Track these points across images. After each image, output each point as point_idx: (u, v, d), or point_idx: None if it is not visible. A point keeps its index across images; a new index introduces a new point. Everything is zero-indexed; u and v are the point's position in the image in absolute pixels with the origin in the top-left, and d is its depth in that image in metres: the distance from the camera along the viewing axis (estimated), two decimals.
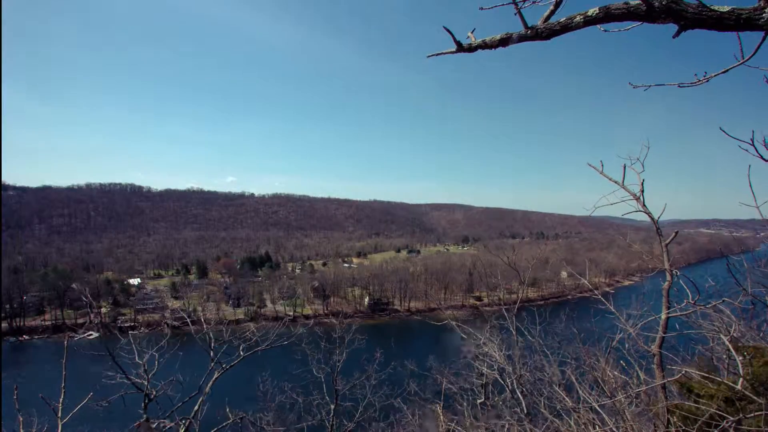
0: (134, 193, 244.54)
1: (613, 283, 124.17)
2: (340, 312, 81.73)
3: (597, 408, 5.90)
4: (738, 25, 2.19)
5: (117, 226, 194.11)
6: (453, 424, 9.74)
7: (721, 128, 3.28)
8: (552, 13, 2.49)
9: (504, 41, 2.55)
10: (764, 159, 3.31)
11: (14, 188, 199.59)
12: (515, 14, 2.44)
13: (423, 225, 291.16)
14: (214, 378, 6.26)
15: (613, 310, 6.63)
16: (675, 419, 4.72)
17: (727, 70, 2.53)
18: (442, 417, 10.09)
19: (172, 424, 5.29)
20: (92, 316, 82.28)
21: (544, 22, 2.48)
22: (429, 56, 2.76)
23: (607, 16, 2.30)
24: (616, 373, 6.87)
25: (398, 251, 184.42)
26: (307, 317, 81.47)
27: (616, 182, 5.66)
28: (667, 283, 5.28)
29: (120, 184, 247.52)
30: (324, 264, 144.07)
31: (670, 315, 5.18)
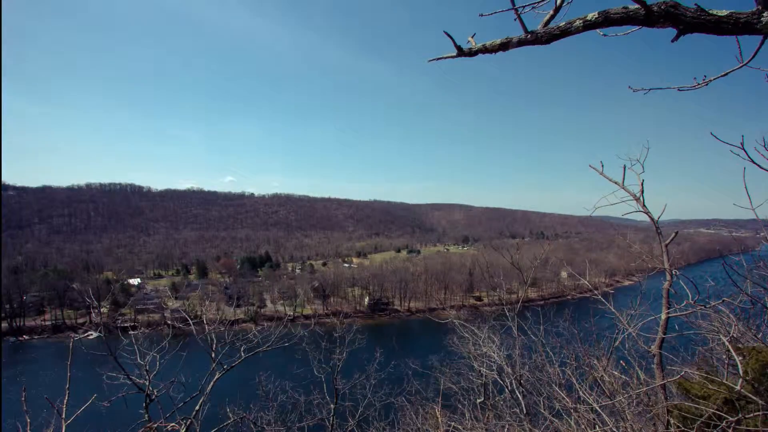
0: (134, 193, 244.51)
1: (613, 283, 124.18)
2: (340, 312, 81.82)
3: (597, 408, 5.92)
4: (736, 29, 2.21)
5: (117, 226, 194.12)
6: (453, 424, 9.75)
7: (711, 133, 3.30)
8: (552, 17, 2.51)
9: (504, 46, 2.57)
10: (755, 163, 3.34)
11: (14, 188, 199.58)
12: (515, 19, 2.46)
13: (423, 225, 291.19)
14: (215, 378, 6.28)
15: (613, 310, 6.65)
16: (674, 419, 4.74)
17: (727, 74, 2.55)
18: (440, 417, 10.11)
19: (174, 424, 5.31)
20: (93, 315, 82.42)
21: (544, 26, 2.50)
22: (430, 60, 2.79)
23: (606, 20, 2.32)
24: (616, 373, 6.89)
25: (398, 251, 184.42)
26: (307, 317, 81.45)
27: (616, 183, 5.68)
28: (666, 283, 5.30)
29: (120, 184, 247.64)
30: (324, 264, 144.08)
31: (669, 315, 5.20)
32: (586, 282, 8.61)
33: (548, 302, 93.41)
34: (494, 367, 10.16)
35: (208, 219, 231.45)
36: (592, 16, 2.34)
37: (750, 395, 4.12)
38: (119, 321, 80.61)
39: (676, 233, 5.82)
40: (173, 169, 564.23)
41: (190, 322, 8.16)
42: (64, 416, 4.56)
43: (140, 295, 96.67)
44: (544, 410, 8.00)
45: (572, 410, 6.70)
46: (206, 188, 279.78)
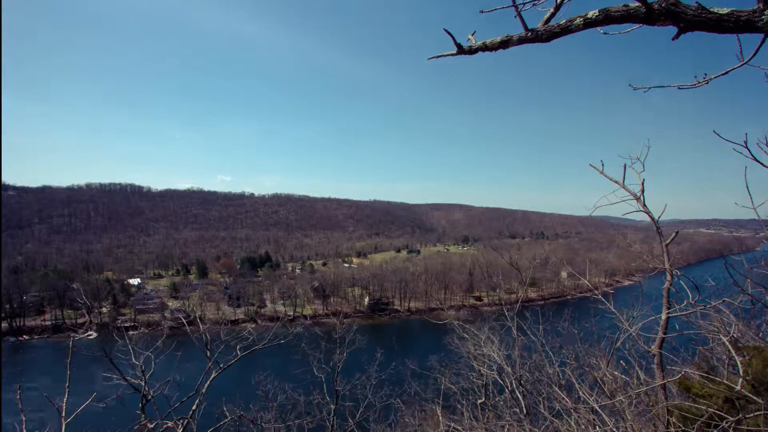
0: (134, 193, 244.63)
1: (612, 283, 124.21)
2: (340, 312, 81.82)
3: (597, 408, 5.91)
4: (737, 27, 2.20)
5: (117, 226, 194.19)
6: (453, 425, 9.75)
7: (714, 131, 3.29)
8: (552, 15, 2.50)
9: (504, 43, 2.56)
10: (758, 161, 3.33)
11: (14, 188, 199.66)
12: (515, 17, 2.45)
13: (423, 225, 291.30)
14: (211, 378, 6.26)
15: (614, 310, 6.64)
16: (675, 419, 4.73)
17: (727, 72, 2.54)
18: (441, 417, 10.11)
19: (170, 424, 5.30)
20: (92, 316, 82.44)
21: (544, 24, 2.49)
22: (429, 58, 2.78)
23: (606, 18, 2.31)
24: (616, 373, 6.88)
25: (398, 251, 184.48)
26: (306, 317, 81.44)
27: (616, 182, 5.67)
28: (667, 283, 5.28)
29: (120, 184, 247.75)
30: (324, 264, 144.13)
31: (670, 315, 5.19)
32: (586, 282, 8.59)
33: (548, 302, 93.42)
34: (494, 368, 10.16)
35: (208, 219, 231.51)
36: (592, 14, 2.33)
37: (750, 395, 4.11)
38: (119, 321, 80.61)
39: (677, 233, 5.81)
40: (170, 169, 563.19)
41: (184, 321, 8.14)
42: (63, 415, 4.56)
43: (140, 295, 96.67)
44: (544, 410, 7.99)
45: (572, 410, 6.69)
46: (204, 188, 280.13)
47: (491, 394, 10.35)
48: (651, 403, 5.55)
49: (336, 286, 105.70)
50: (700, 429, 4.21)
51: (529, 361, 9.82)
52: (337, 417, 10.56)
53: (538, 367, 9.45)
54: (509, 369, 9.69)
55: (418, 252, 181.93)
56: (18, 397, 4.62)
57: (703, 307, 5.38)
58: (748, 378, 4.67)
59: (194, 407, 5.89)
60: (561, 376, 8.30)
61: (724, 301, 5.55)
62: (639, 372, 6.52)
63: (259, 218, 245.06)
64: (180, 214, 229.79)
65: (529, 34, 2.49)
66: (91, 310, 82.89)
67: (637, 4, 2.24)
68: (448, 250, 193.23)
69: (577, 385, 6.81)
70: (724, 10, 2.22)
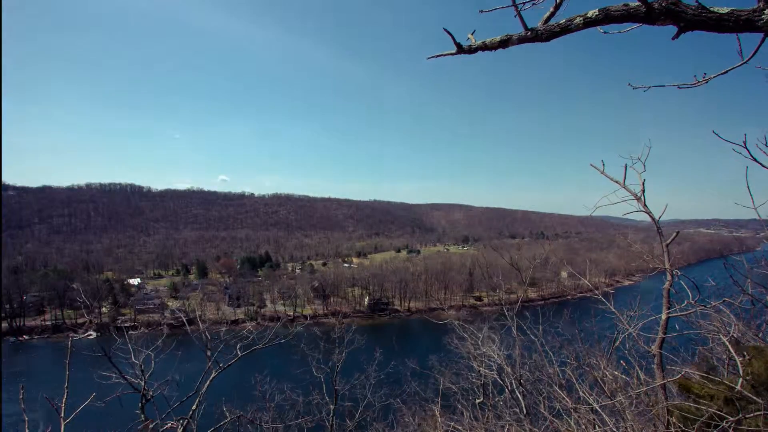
0: (134, 193, 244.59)
1: (613, 283, 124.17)
2: (340, 312, 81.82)
3: (597, 408, 5.91)
4: (737, 26, 2.19)
5: (117, 226, 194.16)
6: (452, 424, 9.74)
7: (714, 131, 3.29)
8: (552, 14, 2.50)
9: (504, 43, 2.55)
10: (757, 161, 3.32)
11: (14, 188, 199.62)
12: (515, 16, 2.44)
13: (423, 225, 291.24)
14: (211, 377, 6.25)
15: (614, 310, 6.63)
16: (675, 419, 4.72)
17: (727, 72, 2.54)
18: (439, 417, 10.10)
19: (170, 424, 5.29)
20: (92, 316, 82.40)
21: (544, 23, 2.48)
22: (429, 58, 2.77)
23: (606, 17, 2.30)
24: (616, 373, 6.87)
25: (398, 251, 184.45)
26: (306, 317, 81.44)
27: (617, 182, 5.66)
28: (667, 283, 5.28)
29: (120, 184, 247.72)
30: (324, 264, 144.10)
31: (670, 315, 5.18)
32: (586, 282, 8.59)
33: (548, 302, 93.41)
34: (494, 367, 10.15)
35: (208, 219, 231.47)
36: (592, 13, 2.33)
37: (750, 395, 4.11)
38: (119, 321, 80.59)
39: (677, 233, 5.80)
40: (169, 169, 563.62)
41: (184, 320, 8.13)
42: (63, 415, 4.56)
43: (140, 295, 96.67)
44: (544, 410, 7.99)
45: (572, 410, 6.69)
46: (204, 188, 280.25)
47: (491, 394, 10.34)
48: (651, 403, 5.54)
49: (336, 286, 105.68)
50: (700, 429, 4.20)
51: (529, 361, 9.81)
52: (336, 417, 10.55)
53: (538, 367, 9.45)
54: (509, 369, 9.68)
55: (418, 252, 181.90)
56: (21, 397, 4.62)
57: (703, 307, 5.37)
58: (748, 378, 4.66)
59: (194, 407, 5.88)
60: (561, 376, 8.30)
61: (724, 301, 5.54)
62: (639, 372, 6.51)
63: (259, 218, 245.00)
64: (180, 214, 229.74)
65: (529, 33, 2.48)
66: (91, 310, 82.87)
67: (637, 3, 2.24)
68: (448, 250, 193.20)
69: (577, 385, 6.80)
70: (724, 10, 2.22)
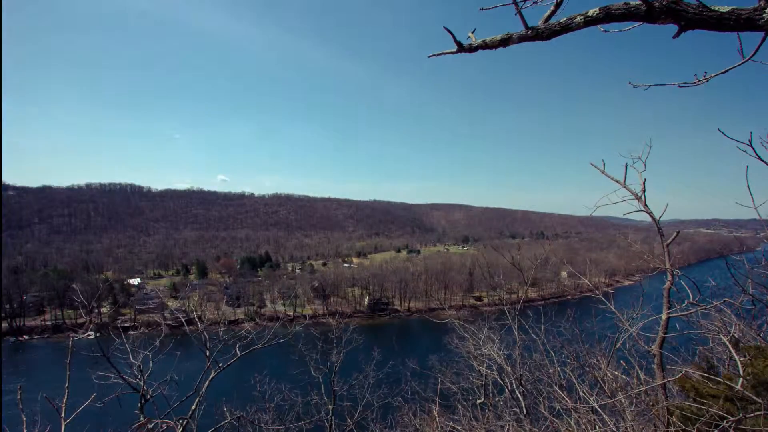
0: (134, 193, 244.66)
1: (613, 283, 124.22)
2: (340, 312, 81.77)
3: (597, 408, 5.90)
4: (738, 25, 2.19)
5: (117, 226, 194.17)
6: (452, 424, 9.73)
7: (719, 129, 3.28)
8: (552, 13, 2.49)
9: (504, 41, 2.55)
10: (762, 160, 3.31)
11: (14, 188, 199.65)
12: (515, 14, 2.44)
13: (423, 225, 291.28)
14: (210, 377, 6.25)
15: (614, 310, 6.63)
16: (675, 419, 4.72)
17: (728, 71, 2.53)
18: (438, 417, 10.09)
19: (170, 424, 5.28)
20: (92, 316, 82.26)
21: (545, 22, 2.48)
22: (430, 56, 2.77)
23: (607, 16, 2.30)
24: (616, 373, 6.87)
25: (398, 251, 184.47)
26: (306, 317, 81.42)
27: (617, 181, 5.65)
28: (667, 283, 5.27)
29: (120, 184, 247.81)
30: (324, 264, 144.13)
31: (670, 315, 5.18)
32: (586, 282, 8.58)
33: (548, 302, 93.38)
34: (494, 367, 10.14)
35: (208, 219, 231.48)
36: (593, 11, 2.32)
37: (751, 395, 4.10)
38: (119, 321, 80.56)
39: (678, 233, 5.79)
40: (167, 169, 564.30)
41: (182, 320, 8.12)
42: (63, 415, 4.55)
43: (140, 295, 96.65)
44: (544, 410, 7.98)
45: (572, 410, 6.68)
46: (204, 187, 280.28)
47: (491, 394, 10.33)
48: (651, 403, 5.53)
49: (336, 286, 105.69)
50: (701, 429, 4.20)
51: (530, 361, 9.80)
52: (335, 417, 10.54)
53: (538, 367, 9.44)
54: (509, 369, 9.68)
55: (418, 252, 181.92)
56: (18, 397, 4.61)
57: (703, 307, 5.37)
58: (748, 378, 4.66)
59: (193, 407, 5.87)
60: (561, 376, 8.29)
61: (724, 301, 5.54)
62: (639, 372, 6.51)
63: (259, 218, 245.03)
64: (180, 214, 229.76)
65: (530, 32, 2.48)
66: (91, 310, 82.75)
67: (638, 2, 2.23)
68: (448, 250, 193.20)
69: (577, 385, 6.80)
70: (725, 9, 2.21)
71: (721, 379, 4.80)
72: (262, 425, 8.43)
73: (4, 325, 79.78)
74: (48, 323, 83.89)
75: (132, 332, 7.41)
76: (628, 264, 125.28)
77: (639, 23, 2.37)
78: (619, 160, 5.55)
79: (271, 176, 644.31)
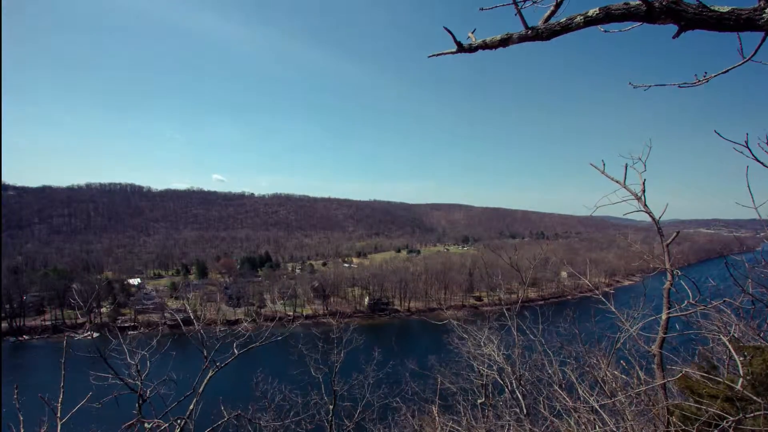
0: (134, 193, 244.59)
1: (613, 283, 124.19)
2: (340, 312, 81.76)
3: (597, 408, 5.90)
4: (738, 25, 2.19)
5: (117, 226, 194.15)
6: (452, 424, 9.73)
7: (715, 131, 3.28)
8: (552, 13, 2.49)
9: (504, 41, 2.54)
10: (759, 161, 3.32)
11: (14, 188, 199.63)
12: (515, 14, 2.43)
13: (423, 225, 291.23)
14: (208, 377, 6.23)
15: (614, 310, 6.62)
16: (675, 419, 4.72)
17: (728, 71, 2.53)
18: (437, 417, 10.09)
19: (167, 424, 5.28)
20: (91, 316, 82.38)
21: (545, 22, 2.48)
22: (430, 56, 2.76)
23: (607, 16, 2.30)
24: (616, 373, 6.87)
25: (398, 251, 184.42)
26: (306, 317, 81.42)
27: (617, 182, 5.65)
28: (667, 283, 5.27)
29: (120, 184, 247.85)
30: (324, 264, 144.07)
31: (670, 315, 5.18)
32: (586, 282, 8.58)
33: (548, 302, 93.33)
34: (494, 368, 10.14)
35: (208, 219, 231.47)
36: (593, 12, 2.32)
37: (751, 395, 4.10)
38: (119, 321, 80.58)
39: (678, 233, 5.79)
40: (163, 169, 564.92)
41: (179, 321, 8.12)
42: (59, 415, 4.55)
43: (140, 295, 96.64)
44: (544, 410, 7.98)
45: (572, 410, 6.68)
46: (203, 188, 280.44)
47: (491, 394, 10.33)
48: (651, 403, 5.53)
49: (336, 286, 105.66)
50: (701, 429, 4.20)
51: (529, 361, 9.80)
52: (335, 417, 10.54)
53: (538, 367, 9.44)
54: (509, 369, 9.67)
55: (418, 252, 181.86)
56: (15, 396, 4.61)
57: (703, 307, 5.36)
58: (748, 378, 4.66)
59: (191, 407, 5.86)
60: (561, 376, 8.29)
61: (724, 301, 5.53)
62: (639, 372, 6.50)
63: (259, 218, 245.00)
64: (180, 214, 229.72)
65: (530, 32, 2.48)
66: (91, 310, 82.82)
67: (638, 2, 2.23)
68: (448, 250, 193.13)
69: (577, 385, 6.80)
70: (725, 9, 2.21)
71: (721, 379, 4.80)
72: (261, 424, 8.42)
73: (4, 325, 79.74)
74: (48, 323, 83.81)
75: (131, 332, 7.39)
76: (628, 264, 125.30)
77: (639, 23, 2.36)
78: (619, 160, 5.55)
79: (269, 176, 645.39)
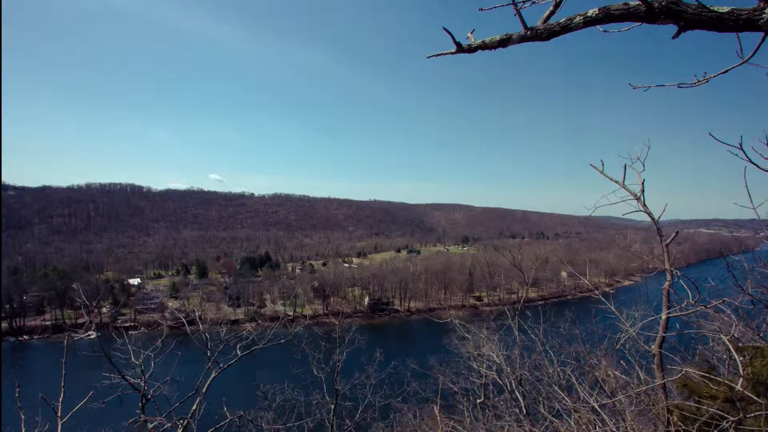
0: (134, 193, 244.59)
1: (613, 283, 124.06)
2: (340, 312, 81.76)
3: (597, 408, 5.90)
4: (738, 25, 2.19)
5: (117, 226, 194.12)
6: (452, 424, 9.74)
7: (710, 134, 3.28)
8: (551, 13, 2.49)
9: (503, 42, 2.54)
10: (753, 163, 3.32)
11: (14, 188, 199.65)
12: (515, 15, 2.43)
13: (423, 225, 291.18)
14: (211, 377, 6.25)
15: (614, 310, 6.63)
16: (675, 419, 4.72)
17: (727, 71, 2.53)
18: (439, 417, 10.09)
19: (170, 424, 5.29)
20: (92, 316, 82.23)
21: (544, 22, 2.48)
22: (429, 57, 2.77)
23: (606, 16, 2.30)
24: (616, 373, 6.87)
25: (398, 251, 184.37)
26: (306, 317, 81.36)
27: (616, 182, 5.65)
28: (667, 283, 5.27)
29: (120, 184, 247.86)
30: (324, 264, 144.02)
31: (670, 315, 5.18)
32: (586, 282, 8.58)
33: (548, 302, 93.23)
34: (494, 368, 10.14)
35: (208, 219, 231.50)
36: (592, 12, 2.32)
37: (751, 395, 4.10)
38: (119, 321, 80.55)
39: (677, 233, 5.79)
40: (161, 169, 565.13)
41: (184, 321, 8.13)
42: (60, 414, 4.55)
43: (140, 295, 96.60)
44: (544, 410, 7.98)
45: (572, 410, 6.68)
46: (201, 188, 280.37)
47: (491, 394, 10.33)
48: (651, 403, 5.54)
49: (336, 286, 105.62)
50: (701, 429, 4.20)
51: (529, 361, 9.80)
52: (336, 417, 10.54)
53: (538, 367, 9.44)
54: (509, 369, 9.68)
55: (418, 252, 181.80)
56: (17, 395, 4.61)
57: (703, 307, 5.37)
58: (748, 378, 4.66)
59: (194, 407, 5.88)
60: (561, 376, 8.29)
61: (724, 301, 5.53)
62: (639, 372, 6.51)
63: (259, 218, 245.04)
64: (180, 214, 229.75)
65: (529, 32, 2.48)
66: (91, 310, 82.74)
67: (638, 2, 2.23)
68: (448, 250, 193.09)
69: (577, 385, 6.80)
70: (725, 9, 2.21)
71: (721, 379, 4.81)
72: (263, 425, 8.42)
73: (4, 325, 79.72)
74: (48, 323, 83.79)
75: (132, 332, 7.39)
76: (628, 264, 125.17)
77: (638, 23, 2.36)
78: (619, 160, 5.56)
79: (268, 176, 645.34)
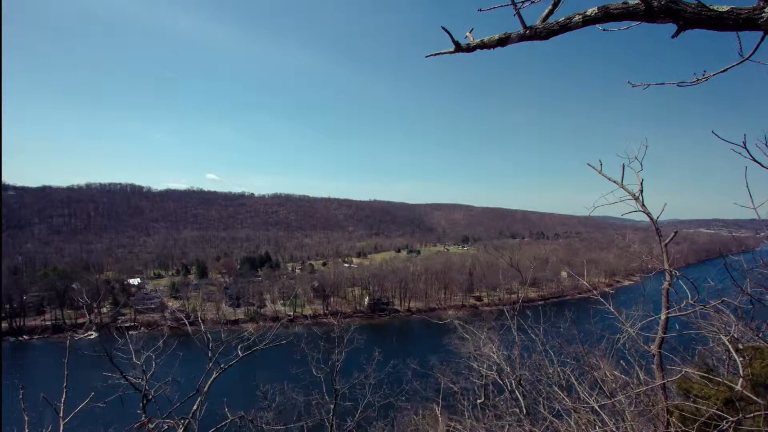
0: (134, 193, 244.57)
1: (612, 283, 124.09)
2: (340, 312, 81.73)
3: (597, 408, 5.90)
4: (737, 24, 2.18)
5: (117, 226, 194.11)
6: (452, 424, 9.73)
7: (713, 131, 3.28)
8: (550, 12, 2.49)
9: (502, 41, 2.54)
10: (756, 161, 3.31)
11: (14, 188, 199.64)
12: (514, 15, 2.43)
13: (423, 225, 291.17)
14: (212, 378, 6.25)
15: (613, 310, 6.62)
16: (674, 419, 4.71)
17: (726, 70, 2.53)
18: (440, 417, 10.09)
19: (172, 423, 5.28)
20: (93, 316, 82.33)
21: (543, 21, 2.47)
22: (427, 56, 2.76)
23: (605, 15, 2.29)
24: (616, 373, 6.86)
25: (398, 251, 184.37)
26: (306, 317, 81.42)
27: (615, 182, 5.65)
28: (666, 283, 5.26)
29: (120, 184, 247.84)
30: (324, 264, 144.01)
31: (669, 315, 5.17)
32: (585, 282, 8.57)
33: (548, 302, 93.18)
34: (494, 368, 10.14)
35: (208, 219, 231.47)
36: (591, 11, 2.32)
37: (750, 395, 4.10)
38: (119, 321, 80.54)
39: (676, 233, 5.79)
40: (159, 169, 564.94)
41: (186, 321, 8.12)
42: (62, 414, 4.55)
43: (140, 295, 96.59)
44: (544, 410, 7.98)
45: (572, 410, 6.68)
46: (201, 188, 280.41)
47: (491, 394, 10.33)
48: (651, 403, 5.53)
49: (336, 286, 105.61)
50: (700, 429, 4.19)
51: (529, 361, 9.80)
52: (336, 416, 10.54)
53: (538, 367, 9.44)
54: (509, 369, 9.67)
55: (418, 252, 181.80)
56: (20, 396, 4.61)
57: (702, 307, 5.36)
58: (747, 378, 4.65)
59: (195, 407, 5.87)
60: (561, 376, 8.29)
61: (723, 301, 5.52)
62: (639, 372, 6.50)
63: (259, 218, 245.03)
64: (180, 214, 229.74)
65: (528, 31, 2.47)
66: (92, 310, 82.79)
67: (637, 1, 2.23)
68: (448, 250, 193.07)
69: (577, 385, 6.80)
70: (724, 8, 2.21)
71: (720, 380, 4.80)
72: (263, 425, 8.42)
73: (4, 325, 79.71)
74: (48, 323, 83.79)
75: (133, 332, 7.40)
76: (628, 264, 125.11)
77: (638, 22, 2.36)
78: (618, 160, 5.55)
79: (266, 176, 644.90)
